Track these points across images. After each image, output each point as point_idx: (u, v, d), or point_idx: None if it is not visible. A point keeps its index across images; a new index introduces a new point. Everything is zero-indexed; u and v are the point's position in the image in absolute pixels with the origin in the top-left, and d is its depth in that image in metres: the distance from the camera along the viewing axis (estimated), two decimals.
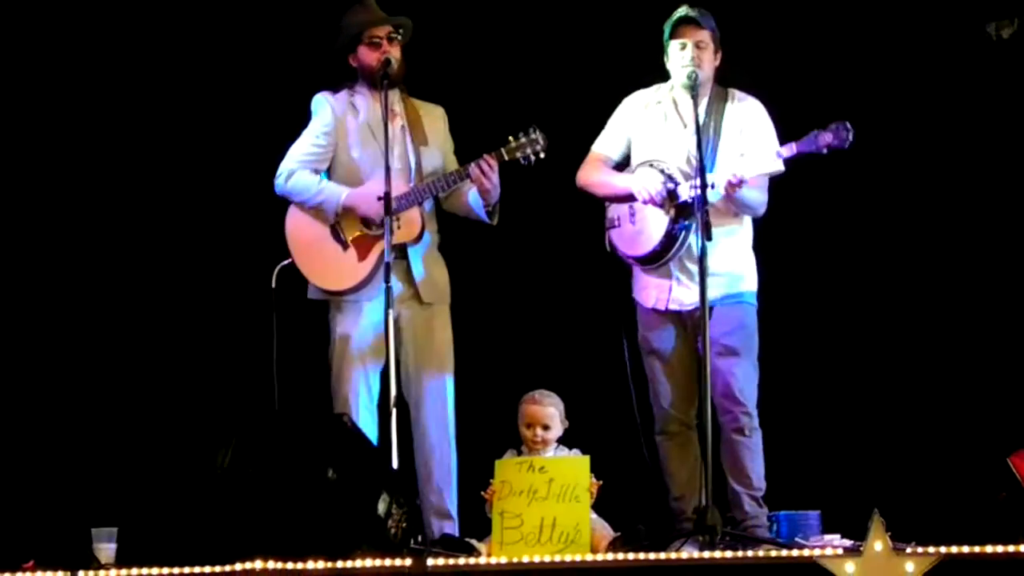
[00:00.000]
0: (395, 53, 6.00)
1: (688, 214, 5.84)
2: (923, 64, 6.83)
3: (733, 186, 5.77)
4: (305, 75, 6.43)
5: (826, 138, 5.68)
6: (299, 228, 6.08)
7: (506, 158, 5.92)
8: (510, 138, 5.95)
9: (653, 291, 6.02)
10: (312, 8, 6.64)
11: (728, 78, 6.07)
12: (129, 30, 6.94)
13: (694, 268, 5.82)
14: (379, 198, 5.77)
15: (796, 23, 6.85)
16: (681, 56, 5.94)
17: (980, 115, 6.80)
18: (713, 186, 5.76)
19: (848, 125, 5.65)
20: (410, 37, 6.10)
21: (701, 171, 5.68)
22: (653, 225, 5.96)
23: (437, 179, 6.00)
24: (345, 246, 6.02)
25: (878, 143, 6.76)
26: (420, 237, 6.00)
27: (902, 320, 6.92)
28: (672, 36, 5.96)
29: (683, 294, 5.93)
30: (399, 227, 5.86)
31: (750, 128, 5.98)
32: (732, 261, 5.95)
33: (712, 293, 5.77)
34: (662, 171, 5.92)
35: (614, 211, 6.10)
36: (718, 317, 5.88)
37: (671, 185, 5.88)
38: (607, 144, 6.17)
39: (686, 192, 5.84)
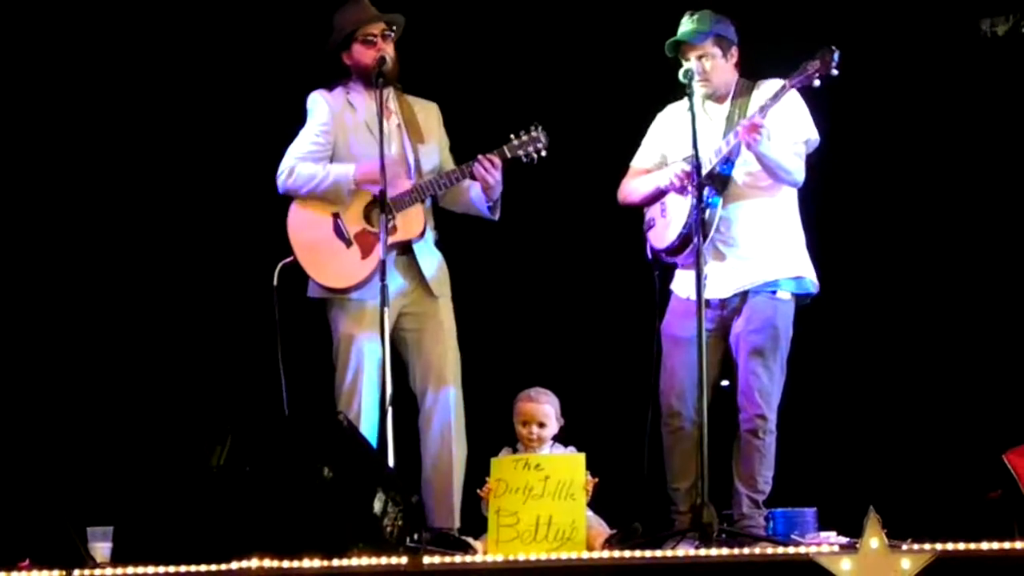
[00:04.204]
0: (389, 51, 6.01)
1: (710, 192, 5.77)
2: (918, 61, 6.83)
3: (749, 131, 5.68)
4: (299, 73, 6.42)
5: (814, 65, 5.67)
6: (301, 226, 6.05)
7: (508, 156, 5.93)
8: (512, 136, 5.95)
9: (687, 282, 5.93)
10: (306, 6, 6.63)
11: (754, 71, 6.03)
12: (128, 29, 6.95)
13: (726, 251, 5.82)
14: (375, 197, 5.84)
15: (793, 20, 6.84)
16: (689, 70, 5.87)
17: (975, 113, 6.80)
18: (737, 135, 5.73)
19: (832, 47, 5.63)
20: (401, 33, 6.11)
21: (698, 170, 5.66)
22: (679, 211, 5.92)
23: (439, 177, 6.00)
24: (348, 243, 6.00)
25: (872, 143, 6.78)
26: (423, 234, 6.00)
27: (898, 318, 6.92)
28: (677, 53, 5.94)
29: (715, 283, 5.85)
30: (398, 225, 5.86)
31: (777, 105, 5.84)
32: (764, 242, 5.90)
33: (744, 280, 5.84)
34: (688, 161, 5.86)
35: (649, 213, 6.09)
36: (749, 310, 5.88)
37: (689, 167, 5.77)
38: (643, 158, 6.16)
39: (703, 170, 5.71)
